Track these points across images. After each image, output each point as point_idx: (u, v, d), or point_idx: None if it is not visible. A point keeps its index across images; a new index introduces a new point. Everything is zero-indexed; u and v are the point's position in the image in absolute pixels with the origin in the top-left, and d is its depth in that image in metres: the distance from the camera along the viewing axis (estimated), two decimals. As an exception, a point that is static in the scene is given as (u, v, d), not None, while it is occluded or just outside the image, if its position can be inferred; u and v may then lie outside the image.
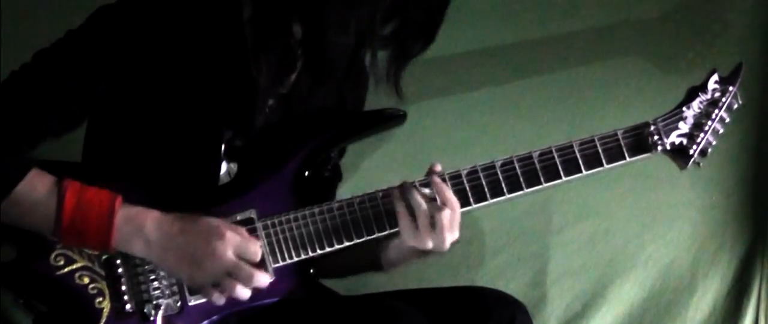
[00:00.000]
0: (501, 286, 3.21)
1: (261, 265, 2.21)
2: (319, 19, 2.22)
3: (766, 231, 3.63)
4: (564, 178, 2.36)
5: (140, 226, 2.13)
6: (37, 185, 2.10)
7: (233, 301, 2.21)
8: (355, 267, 2.63)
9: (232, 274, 2.15)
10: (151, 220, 2.14)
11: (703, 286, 3.63)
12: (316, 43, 2.26)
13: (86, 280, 2.18)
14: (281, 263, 2.27)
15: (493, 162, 2.35)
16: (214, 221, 2.17)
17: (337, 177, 2.65)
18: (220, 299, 2.17)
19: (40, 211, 2.09)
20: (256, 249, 2.18)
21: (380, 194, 2.32)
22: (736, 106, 2.48)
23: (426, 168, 2.36)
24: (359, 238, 2.31)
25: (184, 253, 2.14)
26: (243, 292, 2.16)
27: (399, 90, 2.36)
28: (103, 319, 2.18)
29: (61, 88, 2.17)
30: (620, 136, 2.39)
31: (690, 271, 3.62)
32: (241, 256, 2.16)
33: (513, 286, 3.42)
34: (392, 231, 2.33)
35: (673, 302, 3.60)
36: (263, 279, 2.18)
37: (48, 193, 2.10)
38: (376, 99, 2.61)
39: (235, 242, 2.15)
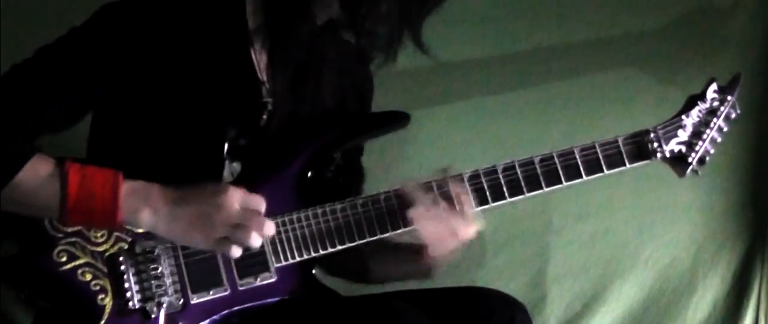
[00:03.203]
0: (501, 286, 3.20)
1: (262, 270, 2.24)
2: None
3: (766, 231, 3.64)
4: (565, 183, 2.38)
5: (146, 197, 2.12)
6: (39, 169, 2.09)
7: (235, 299, 2.23)
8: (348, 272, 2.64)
9: (242, 224, 2.12)
10: (155, 190, 2.13)
11: (703, 286, 3.63)
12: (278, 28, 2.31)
13: (89, 277, 2.17)
14: (283, 263, 2.28)
15: (495, 166, 2.37)
16: (214, 183, 2.18)
17: (360, 177, 2.65)
18: (236, 251, 2.14)
19: (45, 194, 2.08)
20: (260, 200, 2.16)
21: (383, 196, 2.33)
22: (734, 115, 2.49)
23: (428, 171, 2.37)
24: (362, 239, 2.32)
25: (192, 215, 2.12)
26: (256, 240, 2.13)
27: (421, 44, 2.35)
28: (105, 316, 2.17)
29: (61, 83, 2.17)
30: (621, 143, 2.40)
31: (690, 271, 3.63)
32: (246, 209, 2.15)
33: (513, 286, 3.42)
34: (394, 233, 2.34)
35: (673, 302, 3.61)
36: (270, 228, 2.16)
37: (50, 175, 2.08)
38: (380, 101, 2.63)
39: (239, 195, 2.13)
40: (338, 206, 2.31)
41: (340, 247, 2.31)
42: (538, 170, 2.37)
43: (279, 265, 2.28)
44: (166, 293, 2.21)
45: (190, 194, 2.14)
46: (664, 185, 3.53)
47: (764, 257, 3.64)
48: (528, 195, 2.37)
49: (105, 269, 2.19)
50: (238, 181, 2.32)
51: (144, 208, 2.12)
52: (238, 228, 2.12)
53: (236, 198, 2.13)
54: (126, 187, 2.11)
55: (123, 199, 2.10)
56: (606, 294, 3.56)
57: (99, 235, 2.19)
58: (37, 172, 2.09)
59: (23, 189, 2.08)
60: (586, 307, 3.54)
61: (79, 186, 2.08)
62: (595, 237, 3.55)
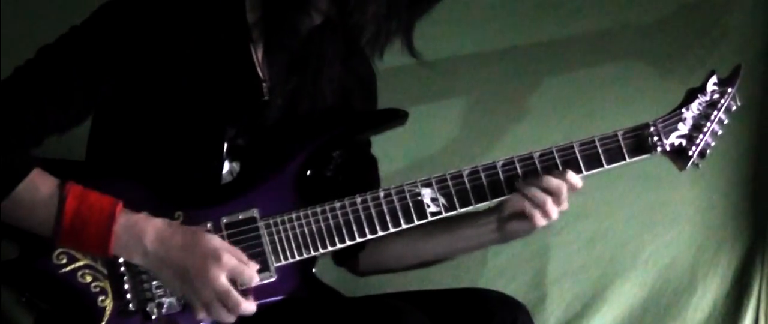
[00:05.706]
0: (501, 286, 3.22)
1: (262, 269, 2.22)
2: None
3: (766, 231, 3.64)
4: (564, 178, 2.37)
5: (139, 236, 2.13)
6: (39, 186, 2.10)
7: None
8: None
9: (221, 299, 2.15)
10: (151, 230, 2.14)
11: (703, 286, 3.63)
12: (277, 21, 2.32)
13: (89, 279, 2.17)
14: (283, 262, 2.27)
15: (494, 162, 2.36)
16: (216, 242, 2.17)
17: (374, 168, 2.66)
18: (206, 318, 2.17)
19: (40, 213, 2.09)
20: (252, 275, 2.18)
21: (382, 193, 2.33)
22: (734, 107, 2.48)
23: (428, 167, 2.37)
24: (362, 237, 2.31)
25: (179, 269, 2.14)
26: (228, 318, 2.16)
27: (411, 47, 2.37)
28: (106, 318, 2.17)
29: (65, 83, 2.17)
30: (620, 137, 2.39)
31: (690, 271, 3.62)
32: (235, 281, 2.16)
33: (513, 286, 3.42)
34: (394, 230, 2.33)
35: (673, 302, 3.61)
36: (249, 308, 2.17)
37: (50, 195, 2.09)
38: (379, 98, 2.62)
39: (231, 267, 2.15)
40: (337, 204, 2.31)
41: (339, 246, 2.31)
42: (538, 165, 2.36)
43: (279, 264, 2.27)
44: (165, 294, 2.20)
45: (186, 247, 2.15)
46: (665, 185, 3.53)
47: (764, 257, 3.64)
48: (528, 190, 2.37)
49: (105, 271, 2.18)
50: (239, 180, 2.34)
51: (135, 247, 2.14)
52: (216, 300, 2.14)
53: (226, 269, 2.14)
54: (122, 220, 2.12)
55: (116, 233, 2.11)
56: (606, 294, 3.55)
57: None
58: (36, 189, 2.09)
59: (20, 204, 2.09)
60: (586, 307, 3.54)
61: (75, 213, 2.09)
62: (595, 237, 3.55)
